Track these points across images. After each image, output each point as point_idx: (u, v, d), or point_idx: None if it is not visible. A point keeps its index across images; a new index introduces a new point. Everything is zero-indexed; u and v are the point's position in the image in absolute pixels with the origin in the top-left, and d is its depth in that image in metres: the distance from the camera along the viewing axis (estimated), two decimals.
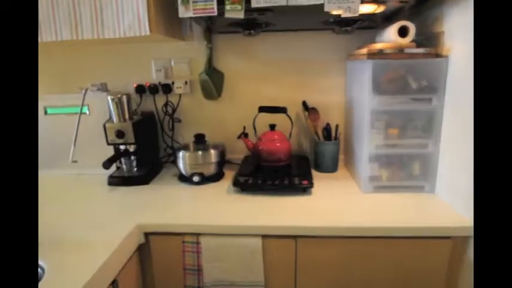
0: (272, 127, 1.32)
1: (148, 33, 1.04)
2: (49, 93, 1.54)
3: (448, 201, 1.06)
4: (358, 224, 0.95)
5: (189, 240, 1.00)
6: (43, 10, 1.07)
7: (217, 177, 1.33)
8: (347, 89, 1.43)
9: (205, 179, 1.29)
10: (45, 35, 1.09)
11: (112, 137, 1.28)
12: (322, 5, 0.95)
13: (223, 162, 1.35)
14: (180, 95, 1.50)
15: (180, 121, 1.53)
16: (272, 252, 0.99)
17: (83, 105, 1.29)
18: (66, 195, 1.23)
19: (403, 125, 1.12)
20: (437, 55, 1.08)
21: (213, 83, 1.39)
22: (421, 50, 1.07)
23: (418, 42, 1.11)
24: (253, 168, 1.31)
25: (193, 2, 0.96)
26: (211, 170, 1.30)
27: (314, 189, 1.19)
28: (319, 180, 1.27)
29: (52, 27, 1.08)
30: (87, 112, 1.39)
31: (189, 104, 1.51)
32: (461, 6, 0.96)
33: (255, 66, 1.46)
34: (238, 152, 1.51)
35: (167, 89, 1.47)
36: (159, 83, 1.48)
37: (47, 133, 1.43)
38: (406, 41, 1.09)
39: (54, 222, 1.00)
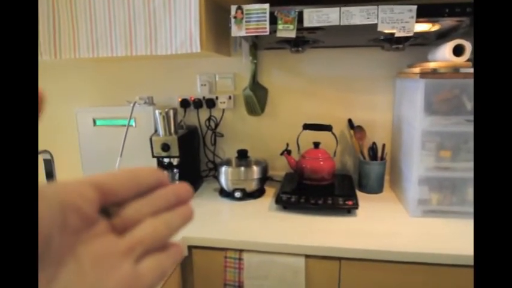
0: (316, 145, 1.31)
1: (199, 50, 1.06)
2: (98, 105, 1.60)
3: None
4: (406, 249, 0.91)
5: (231, 255, 0.99)
6: (101, 27, 1.12)
7: (258, 193, 1.32)
8: (395, 107, 1.39)
9: (247, 195, 1.29)
10: (102, 50, 1.14)
11: (157, 150, 1.31)
12: (375, 25, 0.94)
13: (265, 178, 1.35)
14: (223, 110, 1.52)
15: (222, 136, 1.54)
16: (315, 272, 0.97)
17: (130, 118, 1.34)
18: None
19: (457, 147, 1.07)
20: None
21: (256, 98, 1.40)
22: None
23: (474, 61, 1.06)
24: (296, 186, 1.29)
25: (246, 21, 0.97)
26: (253, 186, 1.30)
27: (359, 211, 1.15)
28: (364, 201, 1.23)
29: (108, 43, 1.13)
30: (134, 124, 1.43)
31: (231, 119, 1.53)
32: None
33: (299, 82, 1.46)
34: (279, 168, 1.50)
35: (211, 103, 1.50)
36: (203, 97, 1.51)
37: (95, 144, 1.48)
38: (462, 60, 1.05)
39: None
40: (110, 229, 0.22)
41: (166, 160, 1.36)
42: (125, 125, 1.35)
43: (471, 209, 1.09)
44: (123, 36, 1.12)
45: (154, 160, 1.37)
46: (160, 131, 1.31)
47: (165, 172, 0.26)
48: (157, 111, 1.30)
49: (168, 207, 0.25)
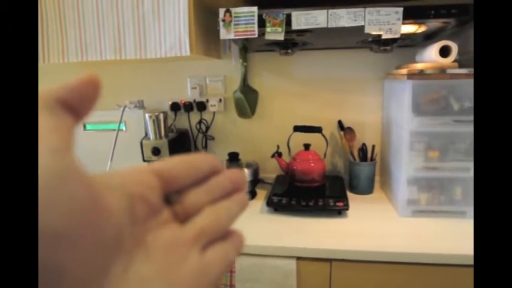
0: (306, 147, 1.31)
1: (188, 53, 1.06)
2: None
3: None
4: (396, 250, 0.92)
5: None
6: (90, 31, 1.12)
7: (249, 196, 1.32)
8: (384, 108, 1.41)
9: None
10: (91, 55, 1.14)
11: (148, 154, 1.30)
12: (362, 27, 0.95)
13: (256, 181, 1.35)
14: (214, 113, 1.52)
15: (213, 139, 1.54)
16: (306, 274, 0.97)
17: (120, 121, 1.33)
18: None
19: (444, 147, 1.09)
20: None
21: (247, 101, 1.41)
22: (463, 71, 1.04)
23: (460, 62, 1.08)
24: (287, 188, 1.30)
25: (235, 24, 0.98)
26: None
27: (349, 212, 1.16)
28: (355, 202, 1.24)
29: (97, 47, 1.13)
30: (124, 128, 1.42)
31: (222, 121, 1.53)
32: None
33: (289, 84, 1.47)
34: (270, 171, 1.50)
35: (201, 106, 1.50)
36: (194, 100, 1.51)
37: (85, 148, 1.47)
38: (448, 61, 1.06)
39: None
40: (173, 217, 0.22)
41: None
42: (115, 129, 1.34)
43: (459, 209, 1.10)
44: (112, 40, 1.12)
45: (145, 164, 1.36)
46: (151, 134, 1.31)
47: (217, 158, 0.26)
48: (147, 115, 1.30)
49: (224, 194, 0.24)
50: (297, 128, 1.33)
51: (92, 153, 1.46)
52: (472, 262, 0.89)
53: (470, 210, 1.09)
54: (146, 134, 1.34)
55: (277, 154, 1.35)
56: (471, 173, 1.08)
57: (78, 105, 0.19)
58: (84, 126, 1.47)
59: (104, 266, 0.17)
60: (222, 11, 0.99)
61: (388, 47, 1.16)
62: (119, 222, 0.18)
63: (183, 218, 0.22)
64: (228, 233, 0.24)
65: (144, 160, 1.32)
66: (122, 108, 1.34)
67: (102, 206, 0.17)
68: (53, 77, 1.58)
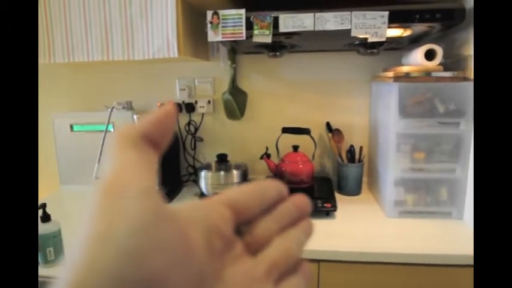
0: (295, 148, 1.32)
1: (176, 55, 1.06)
2: (75, 110, 1.58)
3: None
4: (383, 250, 0.93)
5: None
6: (77, 33, 1.11)
7: None
8: (372, 110, 1.42)
9: None
10: (78, 55, 1.13)
11: None
12: (349, 30, 0.96)
13: (245, 182, 1.35)
14: (202, 114, 1.51)
15: (202, 140, 1.54)
16: None
17: (108, 123, 1.32)
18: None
19: (430, 149, 1.10)
20: (465, 78, 1.07)
21: (236, 102, 1.41)
22: (448, 74, 1.06)
23: (445, 65, 1.09)
24: None
25: (223, 27, 0.98)
26: None
27: (337, 213, 1.17)
28: (342, 203, 1.25)
29: (84, 48, 1.12)
30: (112, 130, 1.41)
31: (211, 123, 1.53)
32: None
33: (278, 86, 1.47)
34: (260, 172, 1.50)
35: (190, 108, 1.50)
36: (183, 102, 1.50)
37: (72, 150, 1.46)
38: (433, 64, 1.08)
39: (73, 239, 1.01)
40: (245, 249, 0.22)
41: None
42: (102, 131, 1.33)
43: (445, 209, 1.12)
44: (100, 41, 1.11)
45: None
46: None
47: (283, 184, 0.26)
48: (135, 116, 1.29)
49: (291, 222, 0.24)
50: (286, 130, 1.34)
51: (79, 155, 1.45)
52: (458, 262, 0.91)
53: (455, 210, 1.11)
54: None
55: (266, 156, 1.36)
56: (456, 174, 1.09)
57: (159, 138, 0.20)
58: (72, 127, 1.45)
59: None
60: (209, 13, 0.99)
61: (375, 50, 1.17)
62: (202, 258, 0.18)
63: (254, 249, 0.22)
64: (298, 264, 0.23)
65: None
66: (109, 110, 1.33)
67: (189, 244, 0.17)
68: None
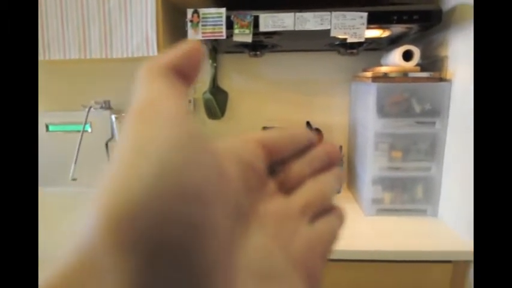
0: None
1: (156, 53, 1.05)
2: (51, 110, 1.53)
3: (451, 224, 1.06)
4: (360, 248, 0.94)
5: None
6: (53, 29, 1.08)
7: None
8: (351, 110, 1.44)
9: None
10: (54, 53, 1.10)
11: None
12: (328, 30, 0.97)
13: None
14: None
15: None
16: None
17: (85, 123, 1.29)
18: (63, 213, 1.21)
19: (407, 148, 1.13)
20: (441, 79, 1.10)
21: (216, 102, 1.40)
22: (424, 74, 1.09)
23: (422, 66, 1.12)
24: None
25: (203, 25, 0.97)
26: None
27: None
28: None
29: (61, 45, 1.09)
30: (90, 130, 1.38)
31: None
32: (464, 32, 0.99)
33: (259, 86, 1.47)
34: None
35: None
36: None
37: (48, 150, 1.42)
38: (411, 65, 1.10)
39: (48, 242, 0.98)
40: (278, 188, 0.22)
41: None
42: (79, 131, 1.30)
43: (420, 207, 1.15)
44: (77, 38, 1.08)
45: None
46: (117, 136, 1.28)
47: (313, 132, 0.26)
48: (113, 116, 1.27)
49: (322, 168, 0.24)
50: (266, 129, 1.34)
51: (55, 155, 1.41)
52: (435, 258, 0.94)
53: (430, 208, 1.14)
54: (113, 136, 1.31)
55: None
56: (431, 172, 1.12)
57: (188, 71, 0.19)
58: (47, 127, 1.41)
59: (231, 234, 0.17)
60: (189, 11, 0.98)
61: (355, 51, 1.19)
62: (237, 190, 0.18)
63: (287, 190, 0.22)
64: (331, 208, 0.23)
65: None
66: (87, 109, 1.30)
67: (225, 172, 0.17)
68: None
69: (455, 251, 0.93)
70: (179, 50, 0.19)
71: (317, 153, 0.24)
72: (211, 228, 0.15)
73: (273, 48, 1.31)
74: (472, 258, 0.93)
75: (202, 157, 0.15)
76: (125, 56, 1.07)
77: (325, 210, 0.23)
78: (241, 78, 1.48)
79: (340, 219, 0.24)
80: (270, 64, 1.45)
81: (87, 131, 1.37)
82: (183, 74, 0.19)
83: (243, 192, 0.19)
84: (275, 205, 0.21)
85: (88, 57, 1.08)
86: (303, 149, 0.24)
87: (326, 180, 0.24)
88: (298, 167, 0.23)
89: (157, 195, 0.13)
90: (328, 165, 0.24)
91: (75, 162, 1.26)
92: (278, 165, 0.23)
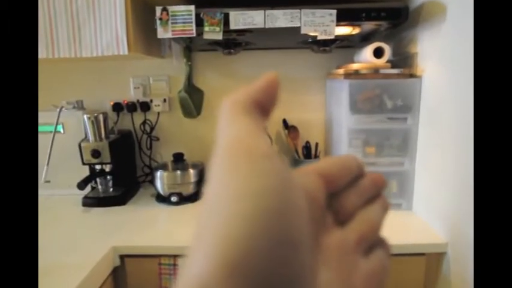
0: None
1: (126, 52, 1.03)
2: None
3: (425, 218, 1.07)
4: None
5: (165, 262, 0.97)
6: None
7: (196, 196, 1.31)
8: (327, 107, 1.45)
9: (184, 199, 1.27)
10: None
11: (87, 156, 1.25)
12: (298, 28, 0.97)
13: (202, 181, 1.34)
14: (158, 113, 1.48)
15: (158, 139, 1.51)
16: None
17: (57, 123, 1.26)
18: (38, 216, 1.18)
19: (380, 143, 1.14)
20: (411, 75, 1.11)
21: (192, 101, 1.39)
22: (395, 71, 1.10)
23: (393, 62, 1.14)
24: None
25: (172, 23, 0.96)
26: (190, 189, 1.29)
27: None
28: None
29: None
30: (62, 131, 1.35)
31: (167, 122, 1.50)
32: (433, 29, 1.00)
33: (235, 84, 1.47)
34: None
35: (145, 106, 1.46)
36: (137, 100, 1.47)
37: None
38: (382, 61, 1.12)
39: None
40: (335, 220, 0.22)
41: (98, 167, 1.30)
42: (51, 132, 1.27)
43: (395, 201, 1.17)
44: (44, 36, 1.05)
45: (86, 167, 1.30)
46: (90, 136, 1.25)
47: (361, 159, 0.26)
48: (85, 116, 1.24)
49: (370, 198, 0.24)
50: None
51: None
52: (411, 251, 0.95)
53: (405, 202, 1.16)
54: (86, 136, 1.28)
55: None
56: (405, 167, 1.14)
57: (267, 105, 0.20)
58: None
59: (315, 270, 0.18)
60: (158, 9, 0.97)
61: (328, 48, 1.20)
62: (307, 223, 0.18)
63: (341, 221, 0.22)
64: (380, 239, 0.24)
65: (83, 163, 1.26)
66: (58, 109, 1.27)
67: (302, 207, 0.18)
68: None
69: (428, 243, 0.95)
70: (259, 84, 0.20)
71: (366, 183, 0.25)
72: (303, 269, 0.16)
73: (247, 46, 1.31)
74: (445, 250, 0.95)
75: (297, 201, 0.16)
76: (94, 54, 1.05)
77: (376, 242, 0.23)
78: (217, 77, 1.47)
79: (388, 252, 0.24)
80: (246, 62, 1.45)
81: (59, 132, 1.34)
82: (262, 107, 0.20)
83: (311, 225, 0.19)
84: (335, 238, 0.21)
85: (56, 56, 1.06)
86: (355, 178, 0.24)
87: (376, 210, 0.24)
88: (350, 198, 0.23)
89: (264, 242, 0.14)
90: (374, 194, 0.25)
91: (48, 164, 1.23)
92: (333, 197, 0.23)
